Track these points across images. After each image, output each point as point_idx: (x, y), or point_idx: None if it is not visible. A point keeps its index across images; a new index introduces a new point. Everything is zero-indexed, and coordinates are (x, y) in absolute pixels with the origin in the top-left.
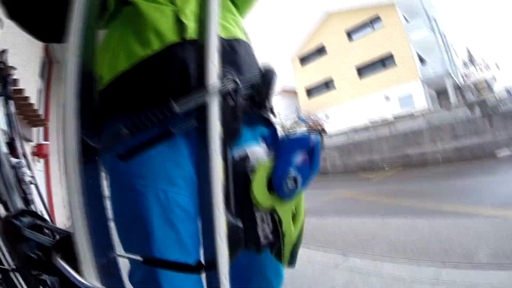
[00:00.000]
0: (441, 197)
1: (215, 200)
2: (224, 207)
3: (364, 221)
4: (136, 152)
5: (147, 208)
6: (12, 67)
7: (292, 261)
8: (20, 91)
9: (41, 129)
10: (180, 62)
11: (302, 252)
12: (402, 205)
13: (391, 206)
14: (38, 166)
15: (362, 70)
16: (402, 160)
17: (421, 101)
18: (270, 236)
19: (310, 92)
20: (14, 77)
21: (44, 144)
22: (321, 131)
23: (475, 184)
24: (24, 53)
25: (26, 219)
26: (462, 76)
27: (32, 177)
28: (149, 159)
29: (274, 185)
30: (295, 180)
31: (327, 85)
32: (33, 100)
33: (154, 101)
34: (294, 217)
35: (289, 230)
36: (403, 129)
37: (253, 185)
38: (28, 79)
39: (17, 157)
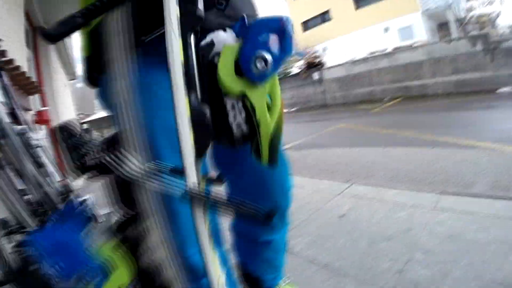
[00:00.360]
0: (440, 129)
1: (174, 82)
2: (185, 90)
3: (365, 151)
4: None
5: (154, 135)
6: None
7: (272, 159)
8: (11, 61)
9: (37, 96)
10: None
11: (307, 182)
12: (402, 135)
13: (391, 136)
14: (41, 134)
15: (360, 1)
16: (402, 92)
17: (421, 34)
18: (244, 126)
19: (305, 25)
20: (2, 48)
21: (43, 110)
22: (319, 64)
23: (475, 118)
24: (6, 24)
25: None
26: (464, 10)
27: (38, 140)
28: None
29: (242, 68)
30: (264, 60)
31: (323, 17)
32: (25, 69)
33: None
34: (270, 106)
35: (264, 118)
36: (403, 61)
37: (219, 68)
38: (15, 49)
39: (20, 124)
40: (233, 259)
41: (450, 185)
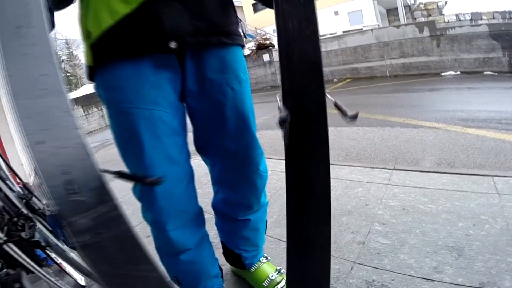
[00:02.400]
0: (389, 109)
1: None
2: None
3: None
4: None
5: (137, 125)
6: None
7: None
8: None
9: None
10: (154, 17)
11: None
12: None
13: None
14: None
15: None
16: (351, 74)
17: (370, 18)
18: None
19: (255, 6)
20: None
21: None
22: (269, 45)
23: (421, 100)
24: None
25: None
26: None
27: None
28: (134, 86)
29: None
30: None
31: None
32: None
33: (135, 50)
34: None
35: None
36: (352, 44)
37: None
38: None
39: None
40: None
41: (401, 161)
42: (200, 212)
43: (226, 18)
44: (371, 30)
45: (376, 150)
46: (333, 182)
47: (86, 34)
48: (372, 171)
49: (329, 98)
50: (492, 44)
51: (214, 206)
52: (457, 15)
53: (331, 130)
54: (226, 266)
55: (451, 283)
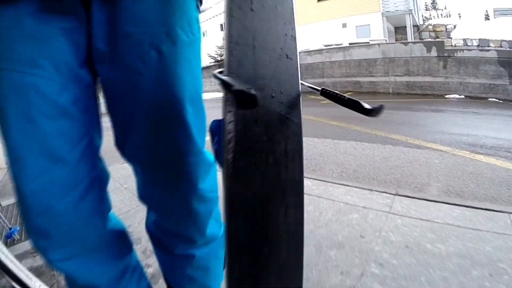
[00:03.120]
0: (391, 126)
1: None
2: None
3: (313, 141)
4: None
5: (1, 96)
6: None
7: None
8: None
9: None
10: None
11: None
12: (352, 129)
13: (341, 129)
14: None
15: None
16: (353, 87)
17: (378, 33)
18: None
19: None
20: None
21: None
22: None
23: (424, 120)
24: None
25: None
26: (423, 17)
27: None
28: (6, 38)
29: None
30: None
31: None
32: None
33: None
34: None
35: None
36: (357, 57)
37: None
38: None
39: None
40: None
41: (403, 185)
42: (113, 237)
43: None
44: (378, 44)
45: (376, 169)
46: (324, 203)
47: None
48: (370, 194)
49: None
50: (500, 70)
51: (148, 228)
52: (464, 40)
53: (327, 142)
54: None
55: None
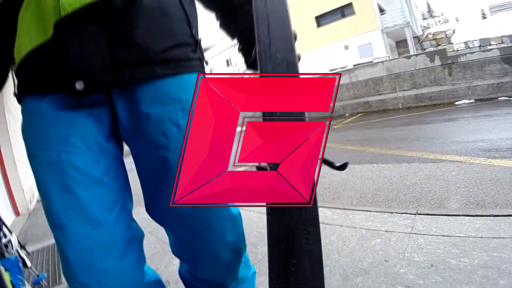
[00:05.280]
0: (405, 143)
1: None
2: None
3: (329, 169)
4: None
5: (42, 173)
6: None
7: None
8: None
9: None
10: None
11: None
12: (366, 151)
13: (356, 153)
14: None
15: (321, 19)
16: (362, 108)
17: (380, 51)
18: None
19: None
20: None
21: None
22: None
23: (437, 131)
24: None
25: None
26: (421, 27)
27: None
28: (43, 123)
29: None
30: None
31: None
32: None
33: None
34: None
35: None
36: (363, 77)
37: None
38: None
39: None
40: None
41: (423, 203)
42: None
43: (169, 38)
44: (382, 62)
45: (394, 190)
46: (346, 232)
47: (14, 59)
48: (391, 217)
49: None
50: (504, 68)
51: (181, 274)
52: (465, 43)
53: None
54: None
55: None
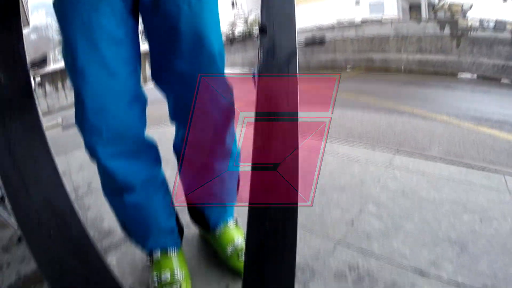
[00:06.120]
0: (399, 99)
1: None
2: None
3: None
4: None
5: (70, 29)
6: None
7: None
8: None
9: None
10: None
11: None
12: (361, 101)
13: (350, 101)
14: None
15: None
16: (365, 64)
17: (392, 11)
18: None
19: None
20: None
21: None
22: None
23: (434, 95)
24: None
25: None
26: None
27: None
28: None
29: None
30: None
31: None
32: None
33: None
34: None
35: None
36: (370, 33)
37: None
38: None
39: None
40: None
41: (405, 146)
42: (148, 146)
43: None
44: (391, 22)
45: (380, 134)
46: (328, 157)
47: None
48: (373, 151)
49: None
50: None
51: (174, 147)
52: (480, 21)
53: (335, 112)
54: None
55: (450, 282)
